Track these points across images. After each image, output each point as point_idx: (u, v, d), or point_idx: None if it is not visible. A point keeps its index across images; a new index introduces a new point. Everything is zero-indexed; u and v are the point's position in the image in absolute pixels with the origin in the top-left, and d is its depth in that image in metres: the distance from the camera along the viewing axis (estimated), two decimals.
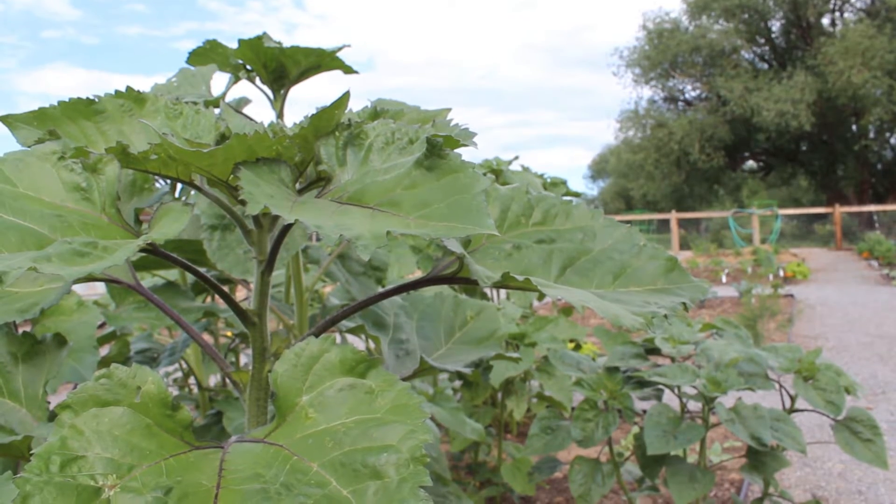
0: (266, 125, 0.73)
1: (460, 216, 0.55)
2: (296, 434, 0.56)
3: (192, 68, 1.29)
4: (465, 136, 0.71)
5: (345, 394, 0.58)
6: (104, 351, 1.99)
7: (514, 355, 1.27)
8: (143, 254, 0.65)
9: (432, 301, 1.23)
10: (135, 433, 0.54)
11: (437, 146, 0.59)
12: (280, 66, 1.20)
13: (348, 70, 1.24)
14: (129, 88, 0.74)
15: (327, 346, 0.61)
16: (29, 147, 0.67)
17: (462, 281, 0.77)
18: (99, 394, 0.55)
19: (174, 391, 2.77)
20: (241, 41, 1.18)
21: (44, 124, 0.72)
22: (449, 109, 0.89)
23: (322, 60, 1.20)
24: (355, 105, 0.82)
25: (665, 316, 0.67)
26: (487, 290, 3.02)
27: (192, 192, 1.44)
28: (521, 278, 0.64)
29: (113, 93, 0.74)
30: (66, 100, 0.72)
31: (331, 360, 0.60)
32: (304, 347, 0.61)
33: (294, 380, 0.60)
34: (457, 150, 0.61)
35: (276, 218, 0.77)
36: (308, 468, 0.52)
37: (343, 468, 0.52)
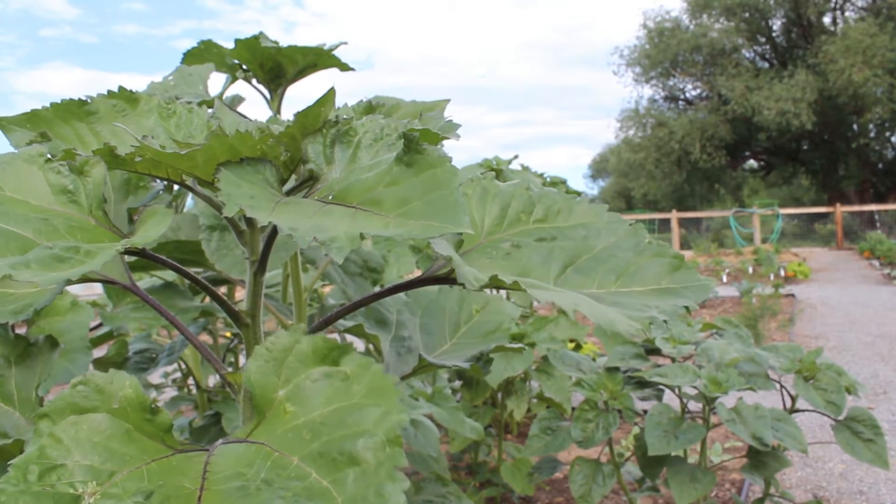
0: (257, 123, 0.72)
1: (438, 214, 0.53)
2: (276, 430, 0.55)
3: (189, 67, 1.29)
4: (447, 129, 0.69)
5: (321, 384, 0.57)
6: (103, 351, 1.98)
7: (518, 345, 1.24)
8: (134, 257, 0.64)
9: (436, 296, 1.20)
10: (114, 439, 0.53)
11: (414, 141, 0.57)
12: (277, 66, 1.19)
13: (345, 67, 1.23)
14: (121, 88, 0.74)
15: (297, 337, 0.60)
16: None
17: (456, 281, 0.76)
18: (77, 401, 0.54)
19: (173, 391, 2.76)
20: (237, 41, 1.17)
21: (37, 126, 0.71)
22: (447, 101, 0.87)
23: (319, 59, 1.19)
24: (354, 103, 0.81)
25: (665, 321, 0.65)
26: (487, 290, 3.00)
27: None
28: (509, 280, 0.62)
29: (105, 93, 0.73)
30: (59, 101, 0.72)
31: (303, 351, 0.59)
32: (274, 342, 0.60)
33: (268, 375, 0.59)
34: (446, 146, 0.59)
35: None
36: (289, 462, 0.52)
37: (322, 458, 0.51)
